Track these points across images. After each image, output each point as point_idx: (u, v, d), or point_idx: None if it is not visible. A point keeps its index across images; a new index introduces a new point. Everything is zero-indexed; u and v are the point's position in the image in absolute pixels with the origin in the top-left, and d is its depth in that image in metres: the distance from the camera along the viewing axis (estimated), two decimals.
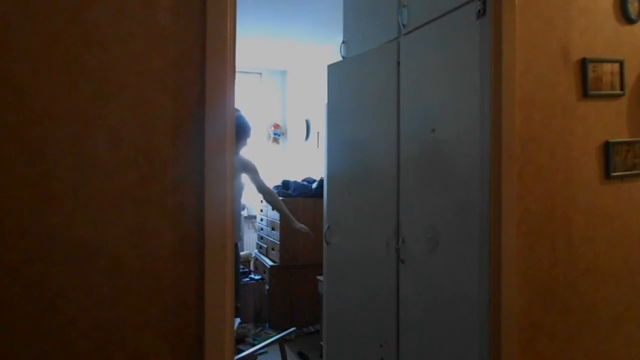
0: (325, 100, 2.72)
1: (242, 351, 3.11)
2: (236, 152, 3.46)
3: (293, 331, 3.39)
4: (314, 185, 4.27)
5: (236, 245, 3.58)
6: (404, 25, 2.10)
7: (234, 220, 1.35)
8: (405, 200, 2.08)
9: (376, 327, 2.25)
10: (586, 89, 1.72)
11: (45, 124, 1.15)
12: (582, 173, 1.73)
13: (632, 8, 1.80)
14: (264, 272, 4.30)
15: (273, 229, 4.27)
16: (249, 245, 5.22)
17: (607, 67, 1.77)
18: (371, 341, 2.28)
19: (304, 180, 4.55)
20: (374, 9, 2.41)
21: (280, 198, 3.92)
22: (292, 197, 4.17)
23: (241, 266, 4.50)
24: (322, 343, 2.92)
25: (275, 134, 5.94)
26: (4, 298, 1.13)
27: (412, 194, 2.04)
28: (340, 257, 2.59)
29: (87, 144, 1.18)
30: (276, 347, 3.44)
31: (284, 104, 6.02)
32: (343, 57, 2.64)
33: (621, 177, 1.79)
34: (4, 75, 1.12)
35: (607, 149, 1.76)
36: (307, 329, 4.07)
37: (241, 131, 3.33)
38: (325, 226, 2.70)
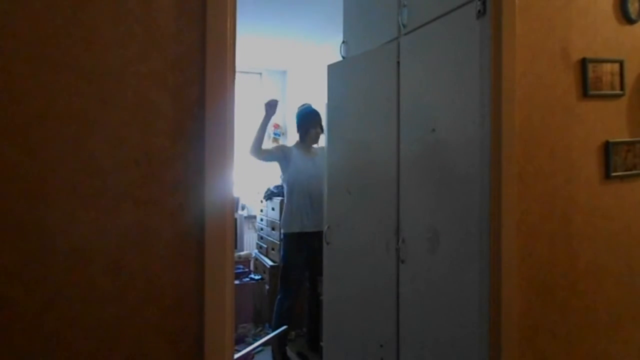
0: (326, 101, 2.72)
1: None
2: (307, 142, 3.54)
3: (285, 329, 3.38)
4: None
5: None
6: (404, 25, 2.10)
7: (233, 220, 1.35)
8: (405, 200, 2.08)
9: (376, 327, 2.25)
10: (586, 89, 1.72)
11: (45, 124, 1.15)
12: (582, 173, 1.73)
13: (632, 8, 1.80)
14: (264, 272, 4.30)
15: (273, 229, 4.27)
16: (249, 245, 5.22)
17: (607, 67, 1.77)
18: (371, 341, 2.28)
19: None
20: (374, 9, 2.41)
21: (280, 198, 4.06)
22: None
23: (241, 266, 4.50)
24: (322, 343, 2.91)
25: (275, 134, 5.93)
26: (4, 298, 1.13)
27: (412, 194, 2.04)
28: (340, 257, 2.59)
29: (87, 144, 1.18)
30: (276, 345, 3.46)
31: (284, 104, 6.01)
32: (343, 57, 2.64)
33: (621, 177, 1.79)
34: (4, 75, 1.12)
35: (607, 149, 1.76)
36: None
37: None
38: (325, 226, 2.70)
